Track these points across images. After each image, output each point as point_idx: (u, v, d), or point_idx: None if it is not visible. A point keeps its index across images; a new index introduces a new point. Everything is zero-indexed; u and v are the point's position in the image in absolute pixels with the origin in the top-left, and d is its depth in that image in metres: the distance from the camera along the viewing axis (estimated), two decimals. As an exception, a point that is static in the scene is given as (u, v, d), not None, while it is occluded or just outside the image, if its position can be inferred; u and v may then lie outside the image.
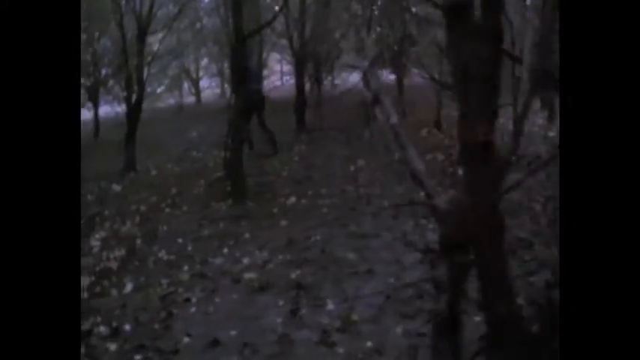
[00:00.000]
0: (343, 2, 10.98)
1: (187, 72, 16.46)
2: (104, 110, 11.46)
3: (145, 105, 15.70)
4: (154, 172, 7.01)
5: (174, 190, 5.91)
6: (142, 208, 5.36)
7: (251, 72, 7.79)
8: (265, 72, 14.51)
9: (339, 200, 5.13)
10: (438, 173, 5.78)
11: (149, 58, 12.04)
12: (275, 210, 4.90)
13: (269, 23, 7.12)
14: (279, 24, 11.94)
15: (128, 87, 7.15)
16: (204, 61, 16.93)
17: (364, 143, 7.73)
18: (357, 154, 7.11)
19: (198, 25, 14.22)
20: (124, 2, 6.83)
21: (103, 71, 11.08)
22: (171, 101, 15.44)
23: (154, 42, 14.22)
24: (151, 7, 6.86)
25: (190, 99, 16.79)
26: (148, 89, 17.39)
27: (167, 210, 5.22)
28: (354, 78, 15.11)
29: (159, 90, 16.87)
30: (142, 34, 6.88)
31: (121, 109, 13.63)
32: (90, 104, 10.90)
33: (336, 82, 15.22)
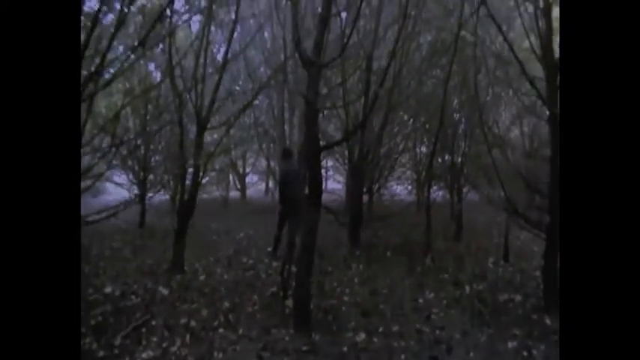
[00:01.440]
0: (398, 118, 11.07)
1: (234, 166, 16.64)
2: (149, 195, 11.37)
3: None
4: (202, 277, 6.58)
5: (226, 304, 5.43)
6: (193, 323, 4.88)
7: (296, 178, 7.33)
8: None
9: (416, 343, 4.53)
10: (521, 321, 5.18)
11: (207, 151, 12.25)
12: (345, 348, 4.33)
13: (344, 140, 7.01)
14: (336, 130, 12.14)
15: (182, 183, 6.96)
16: (252, 159, 17.19)
17: (426, 270, 7.23)
18: (422, 282, 6.57)
19: (248, 121, 14.56)
20: (186, 96, 6.80)
21: (153, 160, 11.12)
22: (216, 194, 15.43)
23: (206, 135, 14.60)
24: (212, 103, 6.85)
25: (234, 193, 16.80)
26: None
27: (221, 330, 4.71)
28: (402, 191, 15.00)
29: (204, 181, 17.03)
30: (202, 129, 6.81)
31: (166, 196, 13.71)
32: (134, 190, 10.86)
33: (383, 192, 15.04)
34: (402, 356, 4.23)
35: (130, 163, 10.70)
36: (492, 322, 5.11)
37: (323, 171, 19.69)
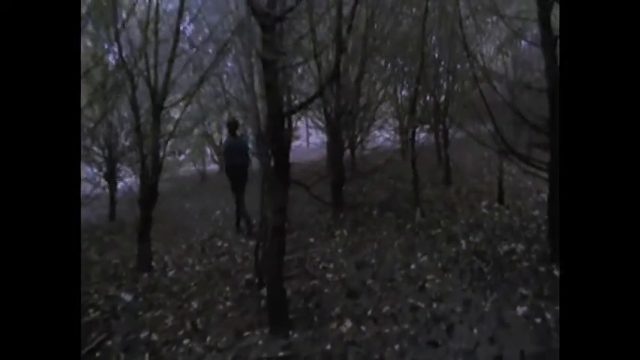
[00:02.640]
0: (375, 65, 10.16)
1: (210, 138, 15.65)
2: (120, 184, 10.46)
3: (165, 175, 14.88)
4: (171, 273, 5.84)
5: (194, 306, 4.70)
6: (154, 336, 4.16)
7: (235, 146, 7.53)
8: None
9: (411, 326, 3.83)
10: (528, 276, 4.50)
11: (169, 129, 11.26)
12: (328, 346, 3.63)
13: (315, 97, 6.09)
14: (309, 86, 11.14)
15: (142, 169, 6.05)
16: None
17: (416, 227, 6.51)
18: (413, 243, 5.87)
19: (219, 89, 13.48)
20: (136, 72, 5.83)
21: (120, 145, 10.10)
22: (192, 168, 14.55)
23: (175, 110, 13.49)
24: (168, 76, 5.86)
25: (213, 166, 15.91)
26: (169, 158, 16.62)
27: (186, 341, 3.99)
28: (385, 142, 14.15)
29: (181, 158, 16.13)
30: (157, 109, 5.87)
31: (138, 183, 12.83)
32: (102, 181, 9.96)
33: (364, 145, 14.18)
34: (396, 346, 3.53)
35: (94, 154, 9.74)
36: (495, 283, 4.43)
37: (303, 129, 18.73)
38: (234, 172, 7.48)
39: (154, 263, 6.19)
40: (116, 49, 6.04)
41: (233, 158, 7.49)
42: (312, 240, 6.46)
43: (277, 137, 3.99)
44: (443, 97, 9.77)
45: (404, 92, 13.39)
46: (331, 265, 5.36)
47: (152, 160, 5.97)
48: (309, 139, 19.21)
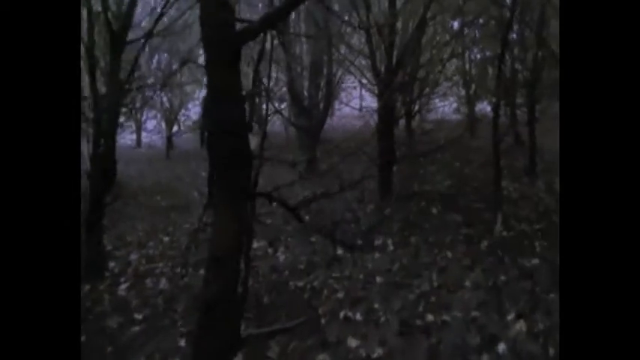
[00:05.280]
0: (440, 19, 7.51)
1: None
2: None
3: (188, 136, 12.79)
4: (123, 287, 3.75)
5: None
6: None
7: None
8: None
9: None
10: None
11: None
12: None
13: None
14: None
15: (96, 129, 3.90)
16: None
17: (496, 244, 4.05)
18: (496, 277, 3.43)
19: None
20: None
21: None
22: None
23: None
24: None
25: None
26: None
27: None
28: (448, 110, 11.43)
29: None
30: (117, 41, 3.68)
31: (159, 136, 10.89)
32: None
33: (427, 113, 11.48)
34: None
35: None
36: None
37: (356, 90, 15.97)
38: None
39: (112, 263, 4.14)
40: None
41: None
42: (339, 251, 4.16)
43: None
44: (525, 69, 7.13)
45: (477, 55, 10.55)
46: (359, 316, 3.04)
47: (107, 117, 3.82)
48: (362, 103, 16.49)
